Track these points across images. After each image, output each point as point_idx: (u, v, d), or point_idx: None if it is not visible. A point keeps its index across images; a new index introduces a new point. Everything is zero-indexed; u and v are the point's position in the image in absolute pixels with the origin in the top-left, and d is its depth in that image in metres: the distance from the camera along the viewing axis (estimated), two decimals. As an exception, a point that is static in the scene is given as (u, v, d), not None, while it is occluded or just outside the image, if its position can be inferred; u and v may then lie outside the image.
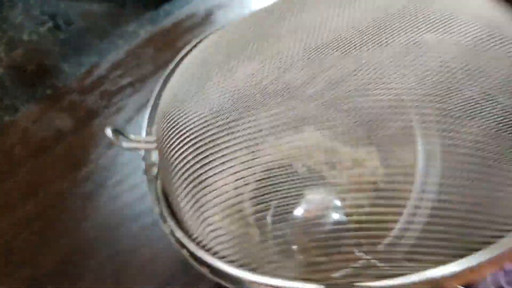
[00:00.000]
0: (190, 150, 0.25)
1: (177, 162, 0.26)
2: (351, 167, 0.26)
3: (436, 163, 0.23)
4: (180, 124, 0.26)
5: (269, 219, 0.25)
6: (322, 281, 0.23)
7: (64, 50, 0.51)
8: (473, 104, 0.22)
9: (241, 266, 0.26)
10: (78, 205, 0.44)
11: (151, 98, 0.35)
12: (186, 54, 0.37)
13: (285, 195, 0.24)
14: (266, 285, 0.24)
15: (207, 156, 0.24)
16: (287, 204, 0.25)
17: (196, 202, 0.25)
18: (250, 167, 0.24)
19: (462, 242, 0.22)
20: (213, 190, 0.25)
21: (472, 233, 0.22)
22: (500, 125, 0.22)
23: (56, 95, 0.48)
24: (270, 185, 0.24)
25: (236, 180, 0.24)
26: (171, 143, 0.26)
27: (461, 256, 0.21)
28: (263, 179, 0.24)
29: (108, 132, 0.29)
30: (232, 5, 0.48)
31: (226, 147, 0.24)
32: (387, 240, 0.24)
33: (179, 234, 0.27)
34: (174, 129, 0.26)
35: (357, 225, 0.24)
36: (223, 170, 0.24)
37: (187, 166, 0.25)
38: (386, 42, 0.23)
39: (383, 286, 0.21)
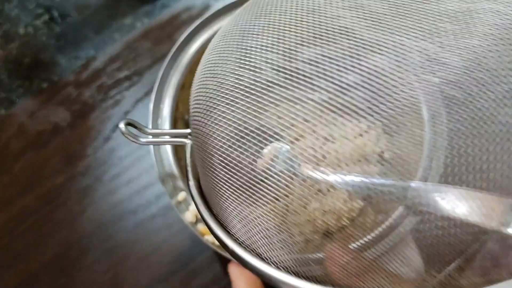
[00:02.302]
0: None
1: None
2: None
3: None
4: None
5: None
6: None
7: (60, 43, 0.50)
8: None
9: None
10: (75, 199, 0.44)
11: (152, 92, 0.34)
12: (181, 46, 0.37)
13: None
14: None
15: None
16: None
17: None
18: None
19: None
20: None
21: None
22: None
23: (53, 88, 0.48)
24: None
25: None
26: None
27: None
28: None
29: (122, 127, 0.25)
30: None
31: None
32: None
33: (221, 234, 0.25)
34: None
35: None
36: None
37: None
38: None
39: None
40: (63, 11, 0.52)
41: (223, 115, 0.24)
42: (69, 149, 0.45)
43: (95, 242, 0.42)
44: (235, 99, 0.23)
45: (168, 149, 0.35)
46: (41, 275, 0.41)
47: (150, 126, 0.35)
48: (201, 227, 0.32)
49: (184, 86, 0.37)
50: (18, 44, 0.51)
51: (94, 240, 0.42)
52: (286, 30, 0.23)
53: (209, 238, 0.32)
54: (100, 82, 0.48)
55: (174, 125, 0.35)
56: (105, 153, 0.45)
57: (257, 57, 0.23)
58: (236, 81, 0.23)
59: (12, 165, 0.45)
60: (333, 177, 0.31)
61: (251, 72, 0.23)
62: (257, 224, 0.27)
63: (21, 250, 0.42)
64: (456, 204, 0.24)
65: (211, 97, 0.25)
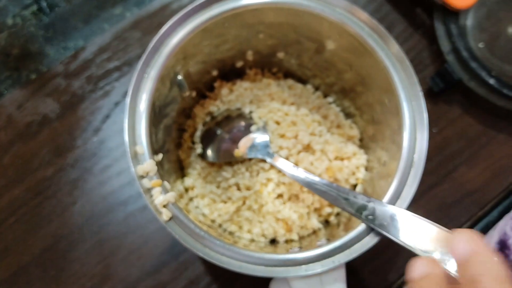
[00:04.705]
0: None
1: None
2: None
3: None
4: None
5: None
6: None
7: (49, 34, 0.50)
8: None
9: None
10: (64, 191, 0.43)
11: (129, 86, 0.32)
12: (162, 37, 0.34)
13: None
14: None
15: None
16: None
17: None
18: None
19: None
20: None
21: None
22: None
23: (41, 79, 0.47)
24: None
25: None
26: None
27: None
28: None
29: None
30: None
31: None
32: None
33: None
34: None
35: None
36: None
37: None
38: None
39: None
40: (52, 1, 0.51)
41: None
42: (59, 141, 0.45)
43: (85, 234, 0.42)
44: None
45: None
46: (31, 267, 0.41)
47: (126, 121, 0.32)
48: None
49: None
50: (6, 35, 0.50)
51: (85, 232, 0.42)
52: None
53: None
54: (89, 72, 0.47)
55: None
56: (95, 145, 0.45)
57: None
58: None
59: (0, 157, 0.44)
60: (304, 175, 0.32)
61: None
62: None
63: (10, 243, 0.42)
64: (407, 230, 0.27)
65: None
